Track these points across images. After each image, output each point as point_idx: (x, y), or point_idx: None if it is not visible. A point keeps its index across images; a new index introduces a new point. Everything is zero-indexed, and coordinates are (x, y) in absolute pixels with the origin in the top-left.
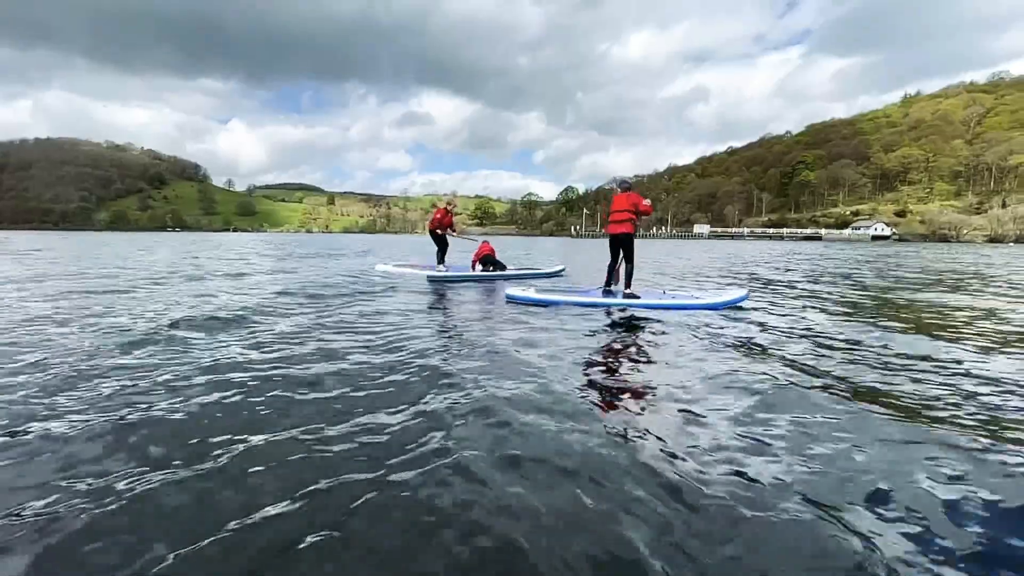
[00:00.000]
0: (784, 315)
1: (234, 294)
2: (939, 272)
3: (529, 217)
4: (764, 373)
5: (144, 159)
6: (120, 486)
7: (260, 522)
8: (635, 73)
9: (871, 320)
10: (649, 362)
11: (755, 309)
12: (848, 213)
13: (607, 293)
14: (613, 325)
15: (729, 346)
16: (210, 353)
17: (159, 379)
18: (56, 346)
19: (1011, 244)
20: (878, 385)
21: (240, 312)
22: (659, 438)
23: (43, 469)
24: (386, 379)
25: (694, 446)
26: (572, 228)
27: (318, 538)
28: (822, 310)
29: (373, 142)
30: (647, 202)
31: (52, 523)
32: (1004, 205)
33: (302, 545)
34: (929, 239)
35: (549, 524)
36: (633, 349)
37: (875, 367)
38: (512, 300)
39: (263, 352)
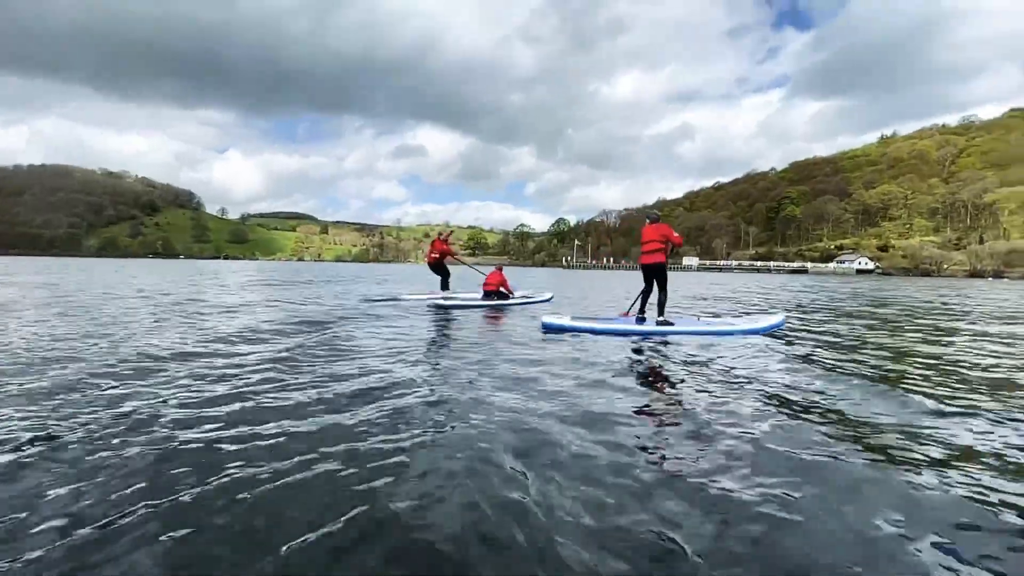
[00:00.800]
0: (827, 338)
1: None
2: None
3: (521, 248)
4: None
5: (137, 187)
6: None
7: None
8: (624, 111)
9: (903, 336)
10: (707, 384)
11: (796, 335)
12: (833, 247)
13: (640, 321)
14: (657, 351)
15: (790, 366)
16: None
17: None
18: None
19: (990, 278)
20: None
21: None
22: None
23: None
24: (439, 401)
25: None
26: (564, 259)
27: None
28: (858, 330)
29: (368, 172)
30: (677, 234)
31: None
32: (981, 241)
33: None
34: (912, 273)
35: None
36: (691, 372)
37: (941, 374)
38: (548, 328)
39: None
